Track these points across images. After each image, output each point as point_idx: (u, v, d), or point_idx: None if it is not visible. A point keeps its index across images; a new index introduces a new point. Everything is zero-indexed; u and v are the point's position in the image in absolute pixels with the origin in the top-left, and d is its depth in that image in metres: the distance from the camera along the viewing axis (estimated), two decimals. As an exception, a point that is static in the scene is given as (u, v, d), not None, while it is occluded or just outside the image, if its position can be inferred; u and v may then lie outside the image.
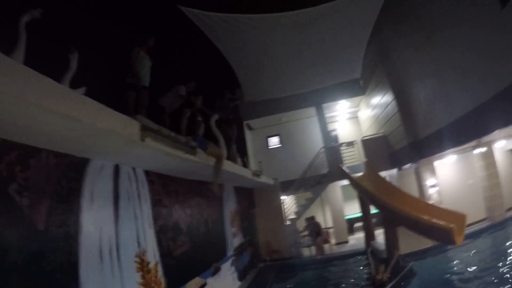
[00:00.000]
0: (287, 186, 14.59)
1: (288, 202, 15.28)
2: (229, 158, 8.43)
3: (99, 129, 3.24)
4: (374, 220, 11.91)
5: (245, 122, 16.46)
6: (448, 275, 7.57)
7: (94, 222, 4.06)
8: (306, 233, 13.10)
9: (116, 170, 4.79)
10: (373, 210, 11.13)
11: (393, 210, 8.31)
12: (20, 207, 3.06)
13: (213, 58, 12.23)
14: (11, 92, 2.25)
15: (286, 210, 14.52)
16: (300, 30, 10.94)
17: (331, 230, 14.96)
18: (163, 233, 5.78)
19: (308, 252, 13.02)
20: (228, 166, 7.39)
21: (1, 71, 2.18)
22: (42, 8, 3.81)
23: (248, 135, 17.05)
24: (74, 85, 4.52)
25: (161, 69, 6.77)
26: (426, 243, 8.98)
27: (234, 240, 9.83)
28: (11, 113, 2.54)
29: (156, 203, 5.77)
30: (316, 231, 12.73)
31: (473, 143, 10.26)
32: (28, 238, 3.08)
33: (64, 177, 3.71)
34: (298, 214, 13.85)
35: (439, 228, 7.04)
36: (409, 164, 12.02)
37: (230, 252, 9.21)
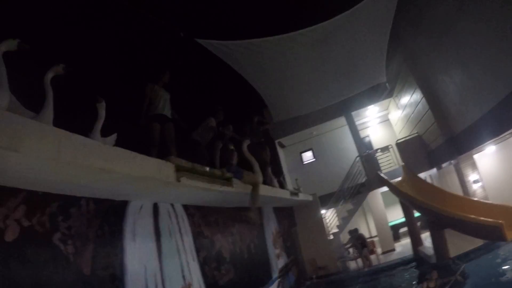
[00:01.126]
0: (327, 200, 14.44)
1: (329, 216, 15.08)
2: (265, 181, 8.45)
3: (134, 177, 3.39)
4: (419, 223, 11.58)
5: (276, 141, 16.55)
6: (504, 274, 7.21)
7: (139, 261, 4.19)
8: (350, 245, 12.86)
9: (155, 208, 4.94)
10: (417, 213, 10.85)
11: (437, 213, 8.08)
12: (66, 255, 3.20)
13: (237, 83, 12.45)
14: (46, 156, 2.40)
15: (328, 224, 14.35)
16: (319, 45, 10.97)
17: (376, 239, 14.63)
18: (207, 264, 5.86)
19: (355, 265, 12.77)
20: (265, 190, 7.42)
21: (35, 137, 2.33)
22: (62, 62, 3.82)
23: (281, 153, 17.10)
24: (105, 132, 4.73)
25: (188, 103, 6.98)
26: (476, 242, 8.63)
27: (279, 262, 9.76)
28: (47, 172, 2.70)
29: (197, 235, 5.88)
30: (360, 243, 12.48)
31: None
32: (75, 283, 3.22)
33: (105, 221, 3.87)
34: (341, 227, 13.64)
35: (488, 226, 6.81)
36: (448, 162, 11.68)
37: (276, 274, 9.16)
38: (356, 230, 12.99)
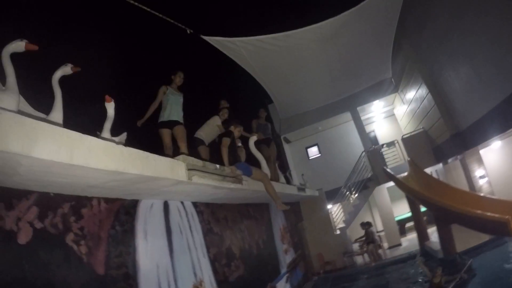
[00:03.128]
0: (333, 195, 14.50)
1: (335, 211, 15.10)
2: (272, 177, 8.46)
3: (147, 177, 3.41)
4: (425, 218, 11.56)
5: (282, 136, 16.56)
6: (510, 269, 7.20)
7: (151, 259, 4.24)
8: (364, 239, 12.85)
9: (166, 206, 4.99)
10: (423, 208, 10.84)
11: (444, 208, 8.08)
12: (79, 255, 3.23)
13: (243, 80, 12.45)
14: (59, 160, 2.37)
15: (334, 219, 14.37)
16: (325, 42, 10.96)
17: (382, 234, 14.64)
18: (217, 261, 5.92)
19: (362, 260, 12.79)
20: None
21: (47, 140, 2.30)
22: (72, 62, 3.74)
23: (287, 149, 17.13)
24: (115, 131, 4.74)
25: (193, 101, 6.98)
26: (483, 237, 8.62)
27: (286, 257, 9.83)
28: (60, 175, 2.69)
29: (207, 232, 5.92)
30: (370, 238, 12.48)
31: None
32: (90, 283, 3.26)
33: (117, 220, 3.91)
34: (347, 222, 13.66)
35: (494, 221, 6.80)
36: (454, 157, 11.64)
37: (284, 269, 9.22)
38: (366, 223, 12.95)
